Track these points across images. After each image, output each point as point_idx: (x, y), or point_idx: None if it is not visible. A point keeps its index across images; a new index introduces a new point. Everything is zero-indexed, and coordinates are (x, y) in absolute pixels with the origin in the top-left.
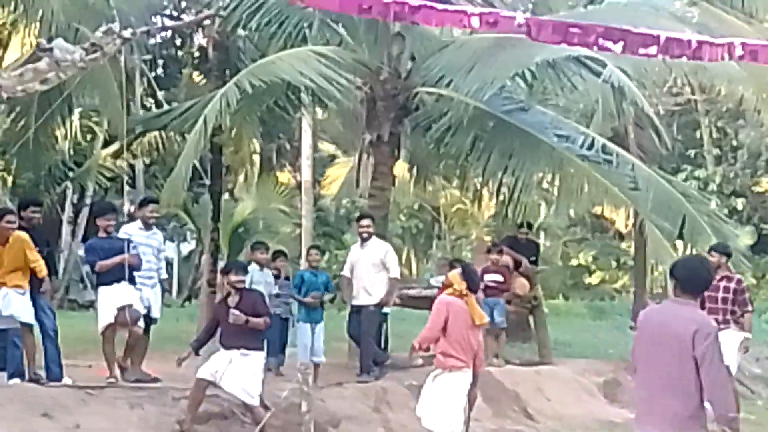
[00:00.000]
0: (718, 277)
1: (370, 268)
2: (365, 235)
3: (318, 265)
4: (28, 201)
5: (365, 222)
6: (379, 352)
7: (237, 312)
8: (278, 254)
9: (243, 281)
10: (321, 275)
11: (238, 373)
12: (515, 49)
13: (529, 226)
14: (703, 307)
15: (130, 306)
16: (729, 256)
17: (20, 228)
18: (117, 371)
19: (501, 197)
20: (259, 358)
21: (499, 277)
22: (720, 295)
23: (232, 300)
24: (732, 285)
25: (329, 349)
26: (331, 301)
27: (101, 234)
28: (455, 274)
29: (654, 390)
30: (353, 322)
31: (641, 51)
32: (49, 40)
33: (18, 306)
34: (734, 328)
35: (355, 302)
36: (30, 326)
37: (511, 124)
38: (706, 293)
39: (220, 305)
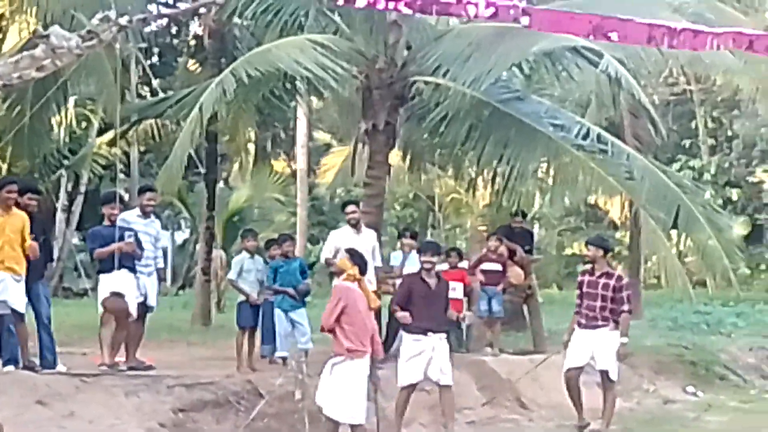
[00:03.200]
0: (597, 273)
1: (367, 256)
2: (353, 221)
3: (291, 254)
4: (26, 187)
5: (351, 208)
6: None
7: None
8: (271, 243)
9: (433, 263)
10: (293, 261)
11: (442, 357)
12: (513, 38)
13: (524, 215)
14: (581, 304)
15: (122, 295)
16: (606, 250)
17: None
18: (115, 356)
19: (496, 187)
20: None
21: (498, 267)
22: (599, 292)
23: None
24: (612, 282)
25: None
26: (305, 294)
27: (105, 222)
28: (344, 259)
29: None
30: None
31: (638, 41)
32: (46, 27)
33: (12, 293)
34: (612, 328)
35: None
36: (21, 315)
37: (507, 113)
38: (584, 289)
39: (417, 280)
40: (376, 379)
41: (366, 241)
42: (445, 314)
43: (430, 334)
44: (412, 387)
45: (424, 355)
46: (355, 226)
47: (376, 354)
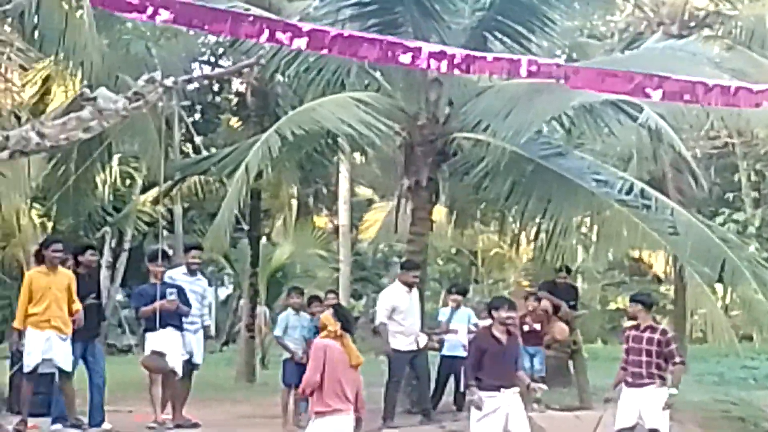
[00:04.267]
0: (642, 327)
1: (419, 314)
2: (416, 284)
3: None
4: (85, 245)
5: (417, 273)
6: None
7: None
8: (313, 299)
9: (513, 317)
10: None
11: (519, 412)
12: (552, 93)
13: (568, 270)
14: (626, 362)
15: (163, 354)
16: (648, 305)
17: (77, 273)
18: (162, 414)
19: (539, 242)
20: None
21: (537, 326)
22: (644, 346)
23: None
24: (656, 336)
25: (369, 394)
26: None
27: (152, 280)
28: (328, 315)
29: None
30: (402, 366)
31: (680, 98)
32: (91, 88)
33: (58, 352)
34: (659, 385)
35: (411, 347)
36: (68, 373)
37: (549, 169)
38: (628, 344)
39: (487, 337)
40: None
41: (417, 300)
42: (516, 370)
43: (503, 390)
44: None
45: (500, 412)
46: (411, 287)
47: (358, 412)
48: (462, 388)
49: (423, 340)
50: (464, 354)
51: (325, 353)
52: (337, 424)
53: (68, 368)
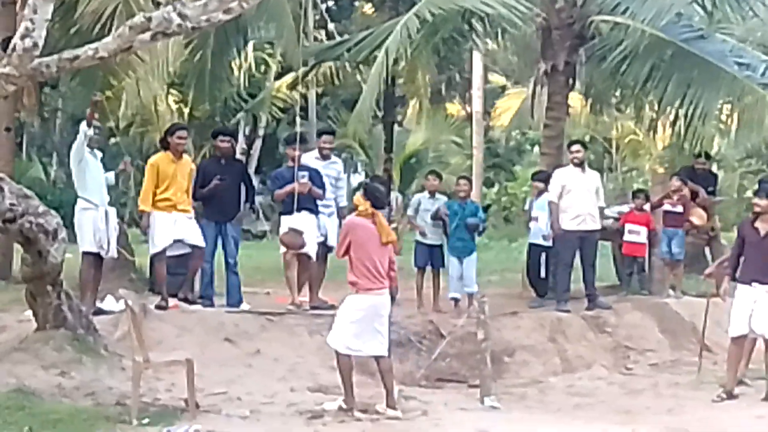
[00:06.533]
0: None
1: (590, 195)
2: (577, 160)
3: (466, 195)
4: (217, 131)
5: (575, 147)
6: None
7: None
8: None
9: (760, 206)
10: (470, 205)
11: (766, 310)
12: None
13: (707, 156)
14: None
15: (300, 233)
16: None
17: (213, 156)
18: (298, 297)
19: (676, 128)
20: None
21: (679, 208)
22: None
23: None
24: None
25: (504, 279)
26: (479, 233)
27: (289, 163)
28: (358, 195)
29: None
30: (569, 248)
31: None
32: None
33: (187, 230)
34: None
35: (580, 227)
36: (201, 249)
37: (690, 52)
38: None
39: (748, 228)
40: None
41: (590, 181)
42: None
43: (755, 284)
44: (741, 338)
45: (745, 306)
46: (580, 165)
47: (391, 288)
48: (543, 275)
49: (591, 223)
50: (544, 243)
51: (353, 231)
52: (371, 301)
53: (201, 243)
